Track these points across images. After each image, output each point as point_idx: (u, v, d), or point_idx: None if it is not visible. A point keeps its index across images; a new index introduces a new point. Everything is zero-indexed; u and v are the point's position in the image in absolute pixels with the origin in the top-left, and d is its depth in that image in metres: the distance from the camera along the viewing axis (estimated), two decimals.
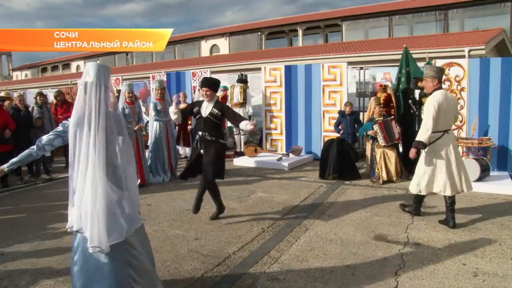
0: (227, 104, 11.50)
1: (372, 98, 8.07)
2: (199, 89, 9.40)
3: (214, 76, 13.09)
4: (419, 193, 5.47)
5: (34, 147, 3.11)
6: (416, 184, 5.42)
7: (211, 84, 5.55)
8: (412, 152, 5.27)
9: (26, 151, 3.14)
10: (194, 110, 5.62)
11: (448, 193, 5.21)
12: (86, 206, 2.75)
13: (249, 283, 3.83)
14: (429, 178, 5.30)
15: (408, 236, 4.93)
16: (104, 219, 2.73)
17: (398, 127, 7.71)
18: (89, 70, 2.84)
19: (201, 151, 5.52)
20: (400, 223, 5.42)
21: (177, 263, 4.35)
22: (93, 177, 2.72)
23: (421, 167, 5.39)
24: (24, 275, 4.15)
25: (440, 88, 5.31)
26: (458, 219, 5.47)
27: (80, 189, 2.78)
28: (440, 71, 5.41)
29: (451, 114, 5.33)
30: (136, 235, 3.03)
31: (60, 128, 3.15)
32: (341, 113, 9.20)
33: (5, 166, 3.18)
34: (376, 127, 7.67)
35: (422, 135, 5.18)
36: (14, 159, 3.21)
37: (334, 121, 9.62)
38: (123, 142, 2.92)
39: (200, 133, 5.54)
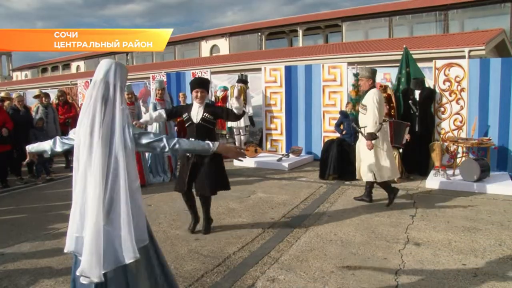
0: (227, 104, 11.52)
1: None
2: None
3: (214, 76, 13.13)
4: (372, 180, 6.24)
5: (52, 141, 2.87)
6: (368, 172, 6.18)
7: (204, 85, 5.18)
8: (369, 145, 6.02)
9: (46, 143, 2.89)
10: (183, 116, 5.16)
11: (395, 176, 6.41)
12: (85, 227, 2.44)
13: (249, 284, 3.83)
14: (378, 165, 6.14)
15: (408, 236, 4.93)
16: (99, 244, 2.39)
17: (408, 134, 7.72)
18: (100, 67, 2.58)
19: (194, 160, 5.00)
20: (400, 223, 5.42)
21: (177, 263, 4.34)
22: (93, 194, 2.40)
23: (370, 157, 6.13)
24: (24, 275, 4.15)
25: (374, 87, 6.27)
26: (458, 219, 5.48)
27: (78, 206, 2.47)
28: (374, 72, 6.31)
29: (384, 109, 6.38)
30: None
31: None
32: (343, 113, 9.19)
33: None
34: (385, 124, 7.66)
35: (373, 127, 5.99)
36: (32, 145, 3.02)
37: (335, 121, 9.62)
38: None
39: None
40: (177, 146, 2.68)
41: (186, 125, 5.19)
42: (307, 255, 4.44)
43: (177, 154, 2.63)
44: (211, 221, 5.34)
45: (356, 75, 6.92)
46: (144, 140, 2.60)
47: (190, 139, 4.71)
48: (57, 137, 2.87)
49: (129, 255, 2.42)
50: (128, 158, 2.47)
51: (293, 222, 5.60)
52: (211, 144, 2.77)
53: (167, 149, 2.66)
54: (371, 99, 6.08)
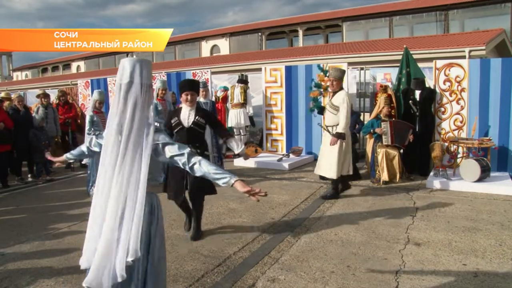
0: (227, 104, 11.52)
1: (383, 97, 8.03)
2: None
3: (215, 76, 13.12)
4: (339, 177, 6.61)
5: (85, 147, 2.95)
6: (338, 171, 6.54)
7: (194, 87, 4.94)
8: (333, 141, 6.43)
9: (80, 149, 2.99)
10: (172, 121, 4.90)
11: (350, 172, 6.82)
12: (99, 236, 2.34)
13: (250, 284, 3.83)
14: (343, 162, 6.61)
15: (409, 236, 4.93)
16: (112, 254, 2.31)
17: (412, 136, 7.73)
18: (124, 68, 2.43)
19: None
20: (400, 223, 5.41)
21: (177, 263, 4.34)
22: (115, 201, 2.33)
23: (338, 155, 6.50)
24: (24, 275, 4.15)
25: (343, 88, 6.70)
26: (459, 220, 5.48)
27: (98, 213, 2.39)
28: (344, 73, 6.80)
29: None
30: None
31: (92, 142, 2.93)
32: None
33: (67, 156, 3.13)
34: (385, 124, 7.67)
35: (344, 128, 6.41)
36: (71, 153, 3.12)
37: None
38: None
39: None
40: (196, 166, 2.49)
41: (176, 130, 4.88)
42: (308, 255, 4.44)
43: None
44: (200, 232, 5.10)
45: (325, 72, 6.89)
46: (168, 153, 2.48)
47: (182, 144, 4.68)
48: (93, 137, 2.91)
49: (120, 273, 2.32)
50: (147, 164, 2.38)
51: (294, 222, 5.60)
52: (231, 179, 2.45)
53: (186, 167, 2.50)
54: (345, 101, 6.41)
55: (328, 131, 6.66)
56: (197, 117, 4.81)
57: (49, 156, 3.12)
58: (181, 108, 4.95)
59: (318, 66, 7.54)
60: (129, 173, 2.33)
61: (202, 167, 2.48)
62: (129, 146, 2.33)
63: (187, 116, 4.83)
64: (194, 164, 2.49)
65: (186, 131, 4.81)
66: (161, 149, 2.48)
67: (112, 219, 2.31)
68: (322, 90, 6.69)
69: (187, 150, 2.51)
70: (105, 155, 2.39)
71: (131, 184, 2.33)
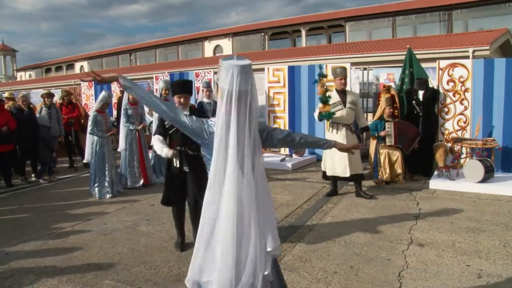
0: None
1: (384, 98, 8.02)
2: (202, 90, 9.38)
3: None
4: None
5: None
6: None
7: (188, 89, 4.76)
8: (367, 135, 7.25)
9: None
10: (166, 123, 4.66)
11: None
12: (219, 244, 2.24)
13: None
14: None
15: (412, 237, 4.92)
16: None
17: (417, 144, 7.76)
18: (222, 74, 2.30)
19: (185, 169, 4.61)
20: (403, 224, 5.40)
21: (180, 263, 4.35)
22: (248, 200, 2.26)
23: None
24: (28, 274, 4.16)
25: None
26: (462, 220, 5.47)
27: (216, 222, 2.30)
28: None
29: None
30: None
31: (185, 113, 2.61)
32: None
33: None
34: (389, 125, 7.67)
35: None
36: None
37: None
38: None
39: (177, 148, 4.59)
40: (303, 140, 2.72)
41: (171, 131, 4.67)
42: (310, 256, 4.44)
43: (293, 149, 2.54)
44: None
45: (321, 75, 6.69)
46: (276, 138, 2.60)
47: (176, 147, 4.50)
48: (207, 122, 2.59)
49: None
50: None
51: (296, 222, 5.60)
52: (331, 142, 2.84)
53: (295, 142, 2.70)
54: (358, 98, 7.01)
55: (351, 130, 6.65)
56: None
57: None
58: None
59: (320, 67, 7.40)
60: (263, 174, 2.38)
61: (308, 139, 2.78)
62: (256, 143, 2.33)
63: None
64: (301, 138, 2.72)
65: (181, 133, 4.66)
66: (270, 137, 2.59)
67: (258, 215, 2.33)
68: (325, 84, 6.45)
69: (287, 130, 2.78)
70: (234, 155, 2.26)
71: (265, 183, 2.41)
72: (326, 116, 6.59)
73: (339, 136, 6.52)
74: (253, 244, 2.25)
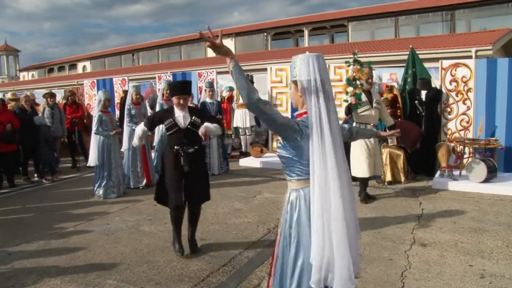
0: (233, 104, 11.53)
1: (380, 99, 8.03)
2: (205, 90, 9.40)
3: (220, 76, 13.12)
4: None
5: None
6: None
7: (187, 90, 4.72)
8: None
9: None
10: (166, 123, 4.60)
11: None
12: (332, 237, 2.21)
13: (255, 284, 3.83)
14: None
15: (414, 237, 4.91)
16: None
17: (419, 144, 7.76)
18: (301, 66, 2.30)
19: (186, 168, 4.51)
20: (406, 224, 5.40)
21: (183, 263, 4.36)
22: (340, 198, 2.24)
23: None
24: (30, 274, 4.18)
25: None
26: (465, 220, 5.46)
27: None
28: None
29: None
30: None
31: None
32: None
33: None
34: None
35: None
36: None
37: (340, 121, 9.58)
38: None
39: (177, 147, 4.54)
40: (359, 132, 3.22)
41: (170, 132, 4.60)
42: None
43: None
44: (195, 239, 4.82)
45: (361, 64, 6.50)
46: (343, 131, 2.80)
47: (176, 145, 4.49)
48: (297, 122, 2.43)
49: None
50: None
51: None
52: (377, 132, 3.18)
53: (353, 136, 3.12)
54: (380, 97, 6.86)
55: (376, 129, 6.49)
56: (193, 118, 4.61)
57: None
58: (172, 108, 4.68)
59: (355, 54, 7.15)
60: (346, 169, 2.33)
61: (360, 131, 3.21)
62: (338, 138, 2.31)
63: (182, 117, 4.59)
64: (357, 132, 3.17)
65: (183, 133, 4.58)
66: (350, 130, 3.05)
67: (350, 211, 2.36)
68: (355, 88, 6.35)
69: (344, 125, 3.11)
70: (324, 151, 2.24)
71: (348, 178, 2.38)
72: (355, 108, 6.48)
73: None
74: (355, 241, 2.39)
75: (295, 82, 2.35)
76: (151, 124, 4.76)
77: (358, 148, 6.52)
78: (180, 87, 4.65)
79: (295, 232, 2.38)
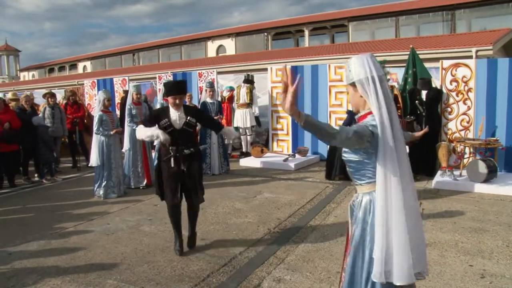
0: (233, 104, 11.53)
1: None
2: (205, 90, 9.40)
3: (221, 76, 13.14)
4: None
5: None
6: None
7: (183, 89, 4.73)
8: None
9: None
10: (162, 123, 4.57)
11: None
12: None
13: (255, 284, 3.83)
14: None
15: None
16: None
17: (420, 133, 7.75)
18: (356, 67, 2.32)
19: (183, 169, 4.56)
20: None
21: (183, 263, 4.36)
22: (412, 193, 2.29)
23: None
24: (31, 274, 4.18)
25: None
26: (465, 220, 5.45)
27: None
28: None
29: None
30: None
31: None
32: (352, 113, 9.17)
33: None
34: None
35: None
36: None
37: (341, 121, 9.61)
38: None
39: (174, 148, 4.53)
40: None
41: (166, 132, 4.54)
42: (313, 256, 4.44)
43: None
44: (196, 235, 4.88)
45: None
46: None
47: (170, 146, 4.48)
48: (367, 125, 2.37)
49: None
50: None
51: (299, 222, 5.60)
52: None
53: None
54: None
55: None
56: (188, 118, 4.60)
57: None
58: (168, 107, 4.68)
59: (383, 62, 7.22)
60: (410, 171, 2.35)
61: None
62: (401, 135, 2.32)
63: (177, 117, 4.58)
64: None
65: (178, 133, 4.57)
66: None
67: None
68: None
69: None
70: (395, 153, 2.26)
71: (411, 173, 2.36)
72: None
73: None
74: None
75: (352, 84, 2.35)
76: (151, 124, 4.68)
77: None
78: (176, 87, 4.64)
79: (369, 236, 2.34)
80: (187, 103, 9.17)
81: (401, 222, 2.21)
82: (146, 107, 8.41)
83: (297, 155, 10.06)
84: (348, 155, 2.41)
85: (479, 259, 4.24)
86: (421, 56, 9.28)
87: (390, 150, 2.23)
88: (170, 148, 4.54)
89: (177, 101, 4.55)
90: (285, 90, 2.09)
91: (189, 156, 4.58)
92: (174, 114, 4.58)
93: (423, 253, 2.39)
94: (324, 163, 8.75)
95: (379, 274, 2.22)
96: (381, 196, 2.24)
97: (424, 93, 8.30)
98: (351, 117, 9.16)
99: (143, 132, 4.64)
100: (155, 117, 4.70)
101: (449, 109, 8.33)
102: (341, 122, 9.64)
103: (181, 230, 4.75)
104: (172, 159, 4.52)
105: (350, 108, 9.16)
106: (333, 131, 2.15)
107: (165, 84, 4.78)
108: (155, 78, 13.57)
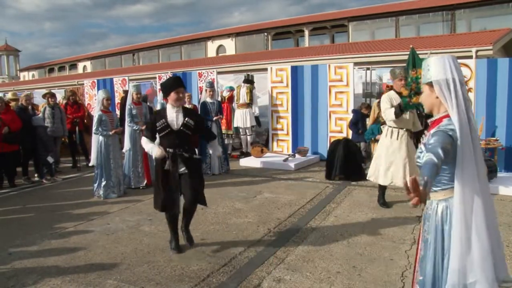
0: (233, 104, 11.53)
1: (375, 102, 8.05)
2: (205, 90, 9.39)
3: (221, 76, 13.13)
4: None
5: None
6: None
7: (181, 82, 4.57)
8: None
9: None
10: (158, 124, 4.45)
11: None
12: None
13: (255, 284, 3.83)
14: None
15: (415, 237, 4.91)
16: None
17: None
18: (435, 67, 2.29)
19: (181, 171, 4.51)
20: (406, 224, 5.40)
21: (183, 263, 4.35)
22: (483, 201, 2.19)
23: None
24: (31, 274, 4.17)
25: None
26: None
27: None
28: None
29: None
30: None
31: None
32: (358, 112, 9.19)
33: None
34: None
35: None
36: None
37: (341, 122, 9.64)
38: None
39: (171, 150, 4.41)
40: None
41: (162, 133, 4.48)
42: (313, 256, 4.44)
43: None
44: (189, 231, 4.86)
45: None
46: None
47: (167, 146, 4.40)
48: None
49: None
50: None
51: (299, 222, 5.60)
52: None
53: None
54: None
55: (411, 135, 6.08)
56: (186, 119, 4.46)
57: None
58: (165, 109, 4.57)
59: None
60: (485, 175, 2.29)
61: None
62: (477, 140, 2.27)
63: (175, 118, 4.46)
64: None
65: (176, 134, 4.45)
66: None
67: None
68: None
69: None
70: (469, 155, 2.20)
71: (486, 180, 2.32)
72: (413, 107, 5.86)
73: (399, 142, 5.90)
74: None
75: (429, 84, 2.31)
76: (152, 132, 4.60)
77: (381, 149, 6.08)
78: (178, 81, 4.54)
79: (447, 245, 2.28)
80: (187, 104, 9.18)
81: (482, 229, 2.15)
82: (146, 107, 8.41)
83: (297, 155, 10.06)
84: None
85: None
86: (421, 56, 9.27)
87: (469, 155, 2.17)
88: (167, 150, 4.43)
89: (181, 95, 4.47)
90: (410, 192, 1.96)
91: (188, 159, 4.49)
92: (172, 115, 4.47)
93: (501, 258, 2.31)
94: (324, 163, 8.76)
95: (453, 285, 2.17)
96: (459, 201, 2.18)
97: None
98: (357, 116, 9.19)
99: (144, 146, 4.67)
100: (152, 124, 4.58)
101: None
102: (341, 122, 9.68)
103: (177, 231, 4.77)
104: (167, 162, 4.43)
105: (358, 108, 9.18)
106: (437, 164, 2.09)
107: (163, 83, 4.68)
108: (155, 78, 13.57)
